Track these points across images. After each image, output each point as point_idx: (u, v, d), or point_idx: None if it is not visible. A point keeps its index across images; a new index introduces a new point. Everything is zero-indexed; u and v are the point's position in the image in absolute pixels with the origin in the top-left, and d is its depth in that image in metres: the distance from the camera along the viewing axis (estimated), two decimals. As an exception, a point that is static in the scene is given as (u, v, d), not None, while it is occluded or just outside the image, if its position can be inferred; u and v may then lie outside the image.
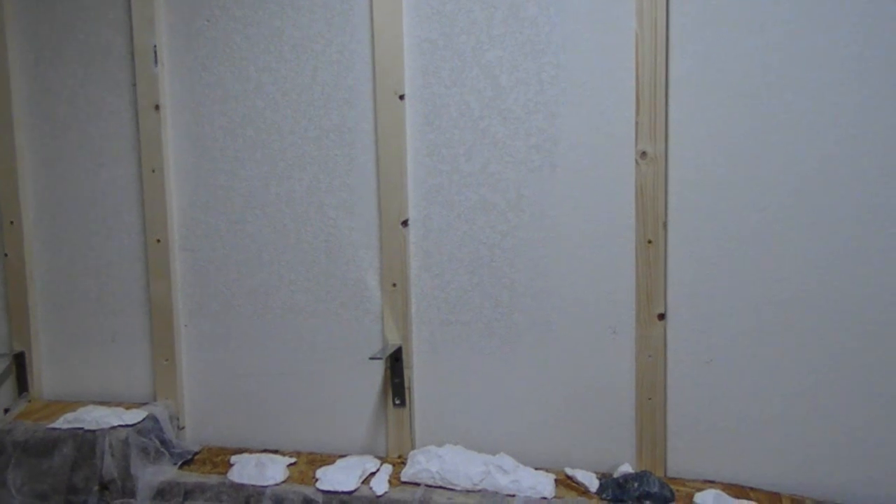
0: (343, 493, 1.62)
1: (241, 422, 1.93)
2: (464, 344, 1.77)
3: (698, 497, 1.53)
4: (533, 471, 1.64)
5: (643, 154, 1.60)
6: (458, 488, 1.61)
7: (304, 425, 1.89)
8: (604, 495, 1.57)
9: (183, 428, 1.96)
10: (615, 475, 1.63)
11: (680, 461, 1.67)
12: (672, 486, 1.58)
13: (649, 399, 1.66)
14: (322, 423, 1.87)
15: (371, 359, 1.69)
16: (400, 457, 1.79)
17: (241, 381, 1.92)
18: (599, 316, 1.68)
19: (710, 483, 1.63)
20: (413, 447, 1.81)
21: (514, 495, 1.58)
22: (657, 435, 1.66)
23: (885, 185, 1.48)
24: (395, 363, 1.79)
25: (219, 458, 1.85)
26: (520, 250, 1.71)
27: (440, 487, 1.63)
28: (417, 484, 1.65)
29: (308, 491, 1.64)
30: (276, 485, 1.68)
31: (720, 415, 1.63)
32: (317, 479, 1.67)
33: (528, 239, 1.70)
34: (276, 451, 1.88)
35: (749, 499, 1.54)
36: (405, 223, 1.76)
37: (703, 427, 1.65)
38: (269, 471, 1.69)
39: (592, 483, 1.61)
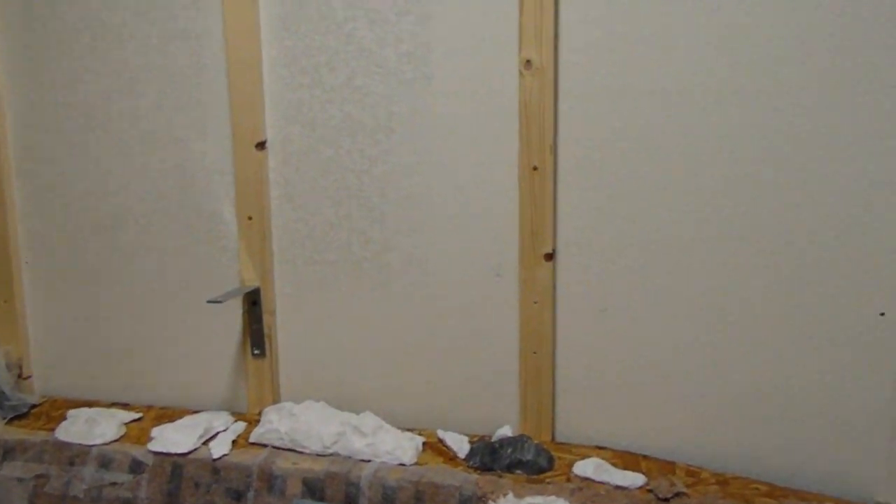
0: (176, 454, 1.40)
1: (93, 371, 1.71)
2: (331, 286, 1.53)
3: (577, 466, 1.31)
4: (399, 433, 1.42)
5: (527, 63, 1.34)
6: (307, 451, 1.40)
7: (158, 376, 1.67)
8: (471, 462, 1.35)
9: (28, 377, 1.73)
10: (493, 439, 1.41)
11: (570, 424, 1.45)
12: (556, 454, 1.37)
13: (534, 353, 1.43)
14: (178, 374, 1.65)
15: (209, 302, 1.45)
16: (259, 414, 1.57)
17: (90, 325, 1.69)
18: (482, 256, 1.44)
19: (601, 450, 1.41)
20: (278, 402, 1.58)
21: (368, 461, 1.36)
22: (543, 394, 1.44)
23: (784, 112, 1.22)
24: (253, 307, 1.56)
25: (59, 411, 1.63)
26: (391, 178, 1.46)
27: (288, 450, 1.41)
28: (264, 446, 1.43)
29: (138, 452, 1.43)
30: (106, 444, 1.46)
31: (615, 371, 1.40)
32: (151, 439, 1.44)
33: (400, 165, 1.46)
34: (126, 405, 1.66)
35: (639, 468, 1.32)
36: (261, 145, 1.51)
37: (596, 385, 1.42)
38: (98, 427, 1.47)
39: (462, 448, 1.39)
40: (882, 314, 1.23)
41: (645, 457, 1.38)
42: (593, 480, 1.28)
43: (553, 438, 1.46)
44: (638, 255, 1.35)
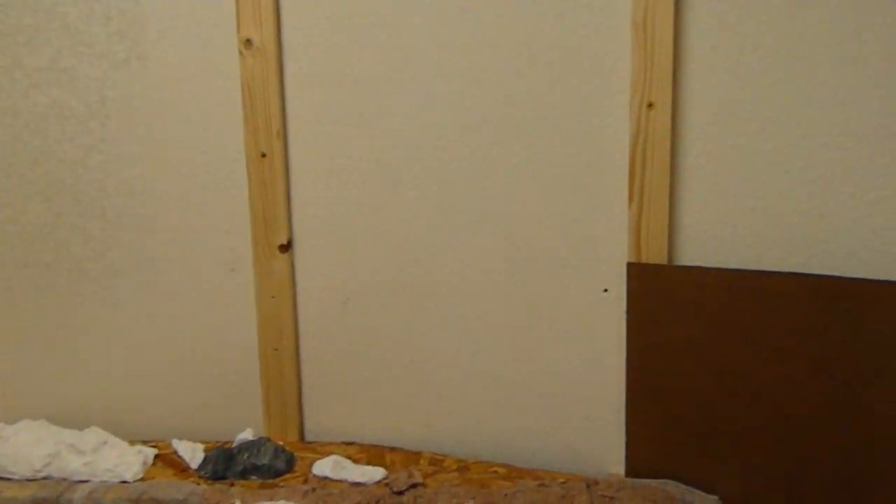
0: None
1: None
2: (49, 292, 1.38)
3: (316, 466, 1.25)
4: (126, 447, 1.29)
5: (247, 42, 1.26)
6: (15, 478, 1.23)
7: None
8: (202, 472, 1.25)
9: None
10: (234, 444, 1.31)
11: (319, 422, 1.38)
12: (301, 454, 1.30)
13: (276, 350, 1.35)
14: None
15: None
16: (-29, 439, 1.38)
17: None
18: (215, 250, 1.34)
19: (349, 445, 1.35)
20: (-6, 425, 1.40)
21: (86, 481, 1.22)
22: (287, 392, 1.36)
23: (517, 102, 1.22)
24: (-44, 320, 1.36)
25: None
26: (110, 169, 1.33)
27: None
28: (-32, 474, 1.25)
29: None
30: None
31: (360, 364, 1.35)
32: None
33: (119, 154, 1.33)
34: None
35: (383, 462, 1.28)
36: (-46, 135, 1.32)
37: (342, 380, 1.36)
38: None
39: (196, 457, 1.28)
40: (605, 290, 1.25)
41: (392, 449, 1.34)
42: (330, 479, 1.22)
43: (302, 438, 1.39)
44: (377, 244, 1.31)
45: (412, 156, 1.27)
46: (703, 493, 1.20)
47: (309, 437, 1.40)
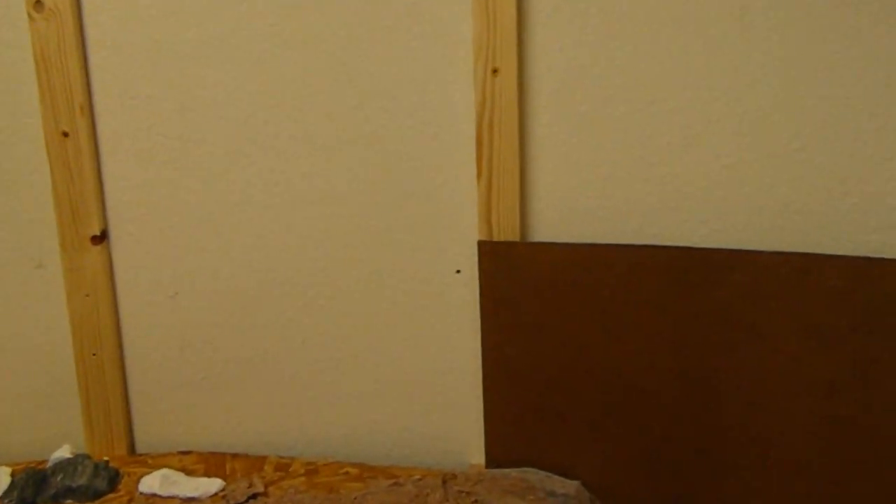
0: None
1: None
2: None
3: (143, 483, 1.10)
4: (-86, 477, 1.10)
5: (38, 4, 1.08)
6: None
7: None
8: (7, 500, 1.08)
9: None
10: (49, 465, 1.15)
11: (151, 431, 1.24)
12: (127, 469, 1.17)
13: (94, 354, 1.19)
14: None
15: None
16: None
17: None
18: (16, 244, 1.16)
19: (185, 455, 1.21)
20: None
21: None
22: (111, 400, 1.21)
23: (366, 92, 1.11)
24: None
25: None
26: None
27: None
28: None
29: None
30: None
31: (194, 364, 1.22)
32: None
33: None
34: None
35: (223, 471, 1.15)
36: None
37: (175, 382, 1.22)
38: None
39: (1, 483, 1.11)
40: (458, 271, 1.17)
41: (235, 456, 1.22)
42: (159, 496, 1.09)
43: (132, 451, 1.24)
44: (206, 230, 1.17)
45: (238, 132, 1.14)
46: (564, 479, 1.14)
47: (141, 448, 1.25)
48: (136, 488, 1.11)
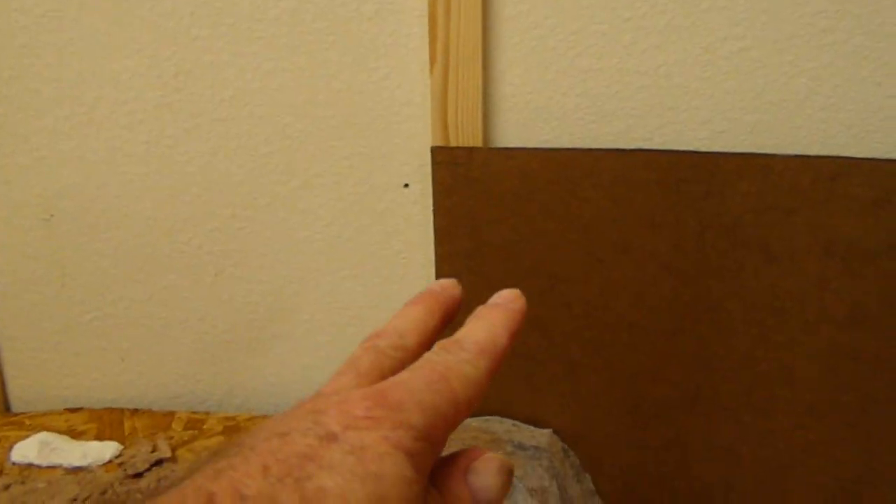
0: None
1: None
2: None
3: (16, 450, 0.88)
4: None
5: None
6: None
7: None
8: None
9: None
10: None
11: (30, 385, 1.03)
12: (4, 432, 0.93)
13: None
14: None
15: None
16: None
17: None
18: None
19: (75, 412, 0.99)
20: None
21: None
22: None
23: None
24: None
25: None
26: None
27: None
28: None
29: None
30: None
31: (81, 301, 0.97)
32: None
33: None
34: None
35: (121, 431, 0.94)
36: None
37: (58, 325, 0.99)
38: None
39: None
40: (406, 185, 0.95)
41: (135, 412, 1.00)
42: (36, 466, 0.86)
43: (7, 409, 1.01)
44: (88, 130, 0.92)
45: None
46: (533, 428, 0.97)
47: (17, 406, 1.02)
48: (8, 457, 0.88)
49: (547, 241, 0.89)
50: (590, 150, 0.87)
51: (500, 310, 0.36)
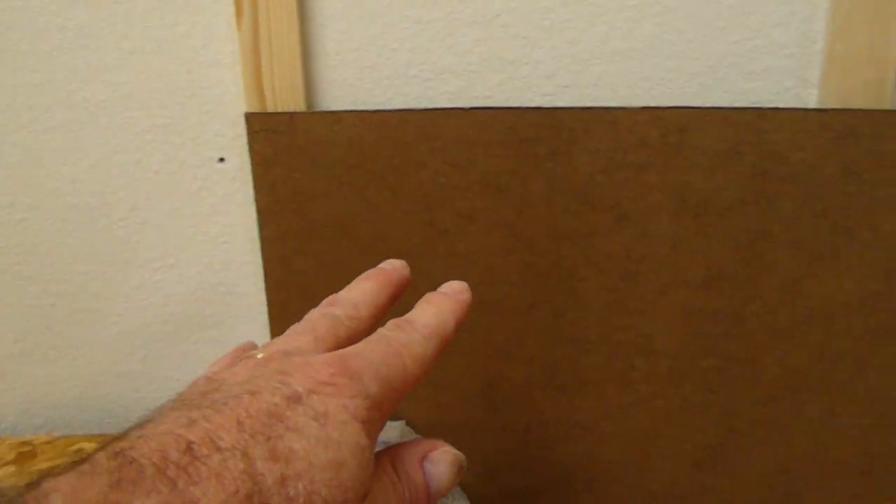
0: None
1: None
2: None
3: None
4: None
5: None
6: None
7: None
8: None
9: None
10: None
11: None
12: None
13: None
14: None
15: None
16: None
17: None
18: None
19: None
20: None
21: None
22: None
23: None
24: None
25: None
26: None
27: None
28: None
29: None
30: None
31: None
32: None
33: None
34: None
35: None
36: None
37: None
38: None
39: None
40: (221, 160, 0.82)
41: None
42: None
43: None
44: None
45: None
46: (385, 421, 0.87)
47: None
48: None
49: (383, 214, 0.80)
50: (424, 110, 0.77)
51: (450, 298, 0.40)
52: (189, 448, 0.26)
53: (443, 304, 0.39)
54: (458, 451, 0.36)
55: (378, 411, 0.31)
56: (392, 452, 0.34)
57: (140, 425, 0.28)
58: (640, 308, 0.80)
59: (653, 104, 0.78)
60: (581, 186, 0.77)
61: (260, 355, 0.34)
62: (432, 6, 0.78)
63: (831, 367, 0.77)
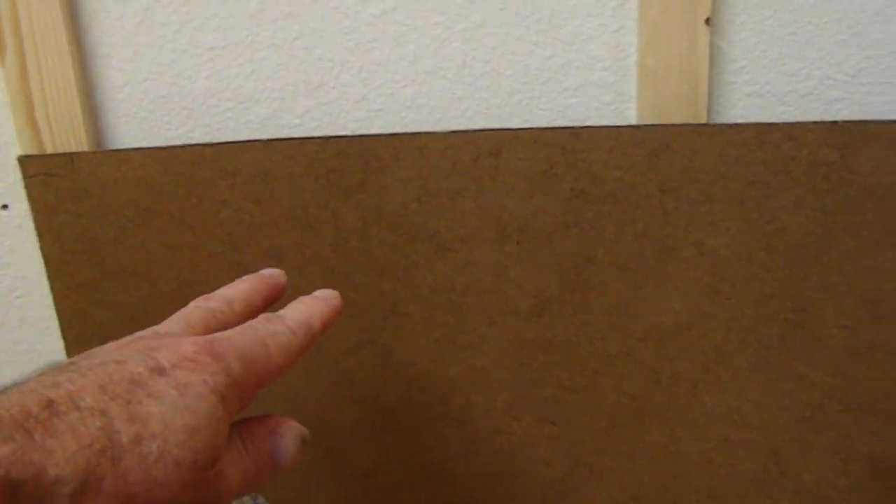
0: None
1: None
2: None
3: None
4: None
5: None
6: None
7: None
8: None
9: None
10: None
11: None
12: None
13: None
14: None
15: None
16: None
17: None
18: None
19: None
20: None
21: None
22: None
23: None
24: None
25: None
26: None
27: None
28: None
29: None
30: None
31: None
32: None
33: None
34: None
35: None
36: None
37: None
38: None
39: None
40: (4, 206, 0.74)
41: None
42: None
43: None
44: None
45: None
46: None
47: None
48: None
49: (185, 258, 0.73)
50: (219, 144, 0.71)
51: (320, 301, 0.43)
52: (49, 404, 0.28)
53: (312, 304, 0.42)
54: (302, 427, 0.39)
55: (237, 390, 0.34)
56: (241, 426, 0.36)
57: (6, 386, 0.29)
58: (470, 342, 0.75)
59: (470, 125, 0.74)
60: (396, 217, 0.72)
61: (132, 337, 0.37)
62: (227, 31, 0.72)
63: (668, 392, 0.74)
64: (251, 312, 0.43)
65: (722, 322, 0.71)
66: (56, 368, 0.32)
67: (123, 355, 0.32)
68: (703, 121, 0.69)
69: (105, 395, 0.29)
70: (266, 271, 0.48)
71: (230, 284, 0.45)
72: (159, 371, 0.32)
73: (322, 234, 0.73)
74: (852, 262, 0.67)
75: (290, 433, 0.38)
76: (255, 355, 0.36)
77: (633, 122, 0.71)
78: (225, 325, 0.39)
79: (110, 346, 0.36)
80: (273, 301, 0.46)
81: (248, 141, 0.71)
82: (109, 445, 0.28)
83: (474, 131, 0.70)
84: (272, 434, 0.37)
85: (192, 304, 0.42)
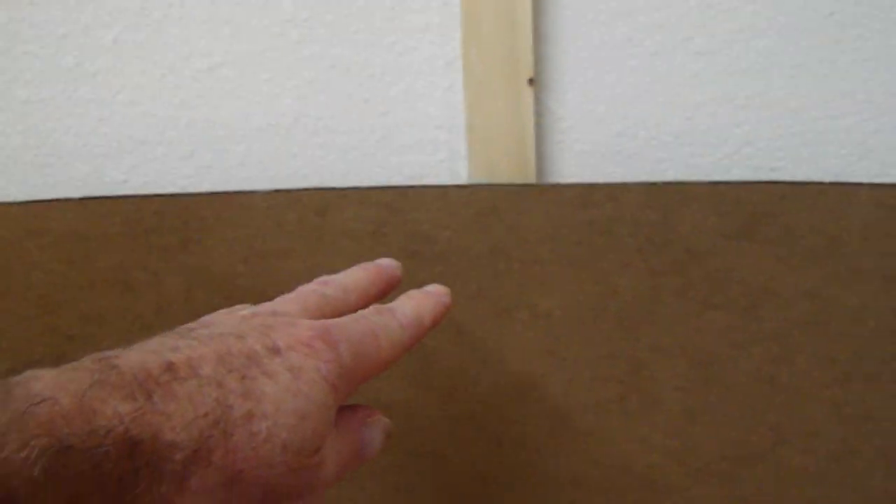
0: None
1: None
2: None
3: None
4: None
5: None
6: None
7: None
8: None
9: None
10: None
11: None
12: None
13: None
14: None
15: None
16: None
17: None
18: None
19: None
20: None
21: None
22: None
23: None
24: None
25: None
26: None
27: None
28: None
29: None
30: None
31: None
32: None
33: None
34: None
35: None
36: None
37: None
38: None
39: None
40: None
41: None
42: None
43: None
44: None
45: None
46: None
47: None
48: None
49: (-4, 324, 0.68)
50: (26, 203, 0.67)
51: (431, 297, 0.43)
52: (170, 367, 0.28)
53: (423, 300, 0.42)
54: (389, 420, 0.39)
55: (347, 381, 0.34)
56: (337, 415, 0.35)
57: (129, 346, 0.30)
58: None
59: (305, 184, 0.72)
60: (222, 279, 0.69)
61: (248, 311, 0.37)
62: (42, 85, 0.68)
63: (512, 457, 0.71)
64: (365, 303, 0.42)
65: (561, 384, 0.69)
66: (175, 333, 0.32)
67: (242, 330, 0.32)
68: (533, 180, 0.68)
69: (223, 367, 0.29)
70: (383, 261, 0.47)
71: (347, 272, 0.44)
72: (275, 350, 0.32)
73: (144, 296, 0.69)
74: (682, 323, 0.66)
75: (379, 425, 0.38)
76: (367, 347, 0.35)
77: (467, 180, 0.69)
78: (339, 314, 0.39)
79: (223, 315, 0.36)
80: (386, 294, 0.45)
81: (59, 199, 0.67)
82: (223, 418, 0.28)
83: (298, 190, 0.68)
84: (364, 425, 0.37)
85: (309, 287, 0.41)
